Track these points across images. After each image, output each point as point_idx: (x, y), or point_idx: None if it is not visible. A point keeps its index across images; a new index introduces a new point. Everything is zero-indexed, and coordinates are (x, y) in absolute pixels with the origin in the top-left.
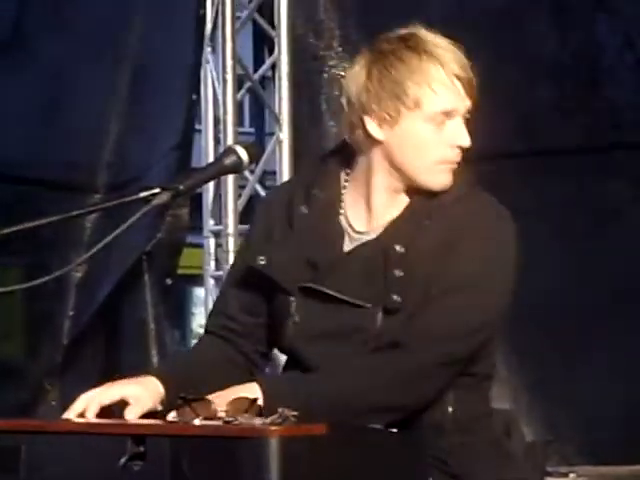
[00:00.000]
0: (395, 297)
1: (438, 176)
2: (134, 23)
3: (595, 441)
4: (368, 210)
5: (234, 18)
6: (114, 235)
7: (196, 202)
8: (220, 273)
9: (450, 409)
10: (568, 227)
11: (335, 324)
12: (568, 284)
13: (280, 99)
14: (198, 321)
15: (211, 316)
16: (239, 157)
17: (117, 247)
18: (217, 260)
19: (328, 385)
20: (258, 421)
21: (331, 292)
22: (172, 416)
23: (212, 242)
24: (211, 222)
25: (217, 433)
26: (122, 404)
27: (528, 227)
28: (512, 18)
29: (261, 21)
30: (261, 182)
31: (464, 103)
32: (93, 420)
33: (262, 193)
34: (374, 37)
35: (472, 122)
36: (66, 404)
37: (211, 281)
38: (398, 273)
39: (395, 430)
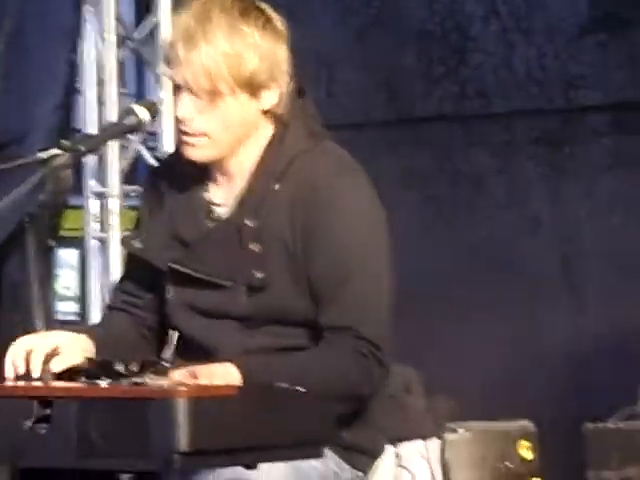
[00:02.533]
0: (257, 274)
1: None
2: None
3: (482, 399)
4: (228, 181)
5: None
6: (14, 198)
7: (76, 163)
8: (104, 235)
9: None
10: (433, 196)
11: (204, 302)
12: (433, 252)
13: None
14: (62, 283)
15: (113, 292)
16: (139, 117)
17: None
18: (102, 222)
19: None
20: (166, 382)
21: (192, 273)
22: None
23: (95, 203)
24: (93, 183)
25: (125, 395)
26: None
27: (394, 195)
28: None
29: None
30: (144, 143)
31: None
32: None
33: (146, 154)
34: None
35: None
36: None
37: (93, 242)
38: (254, 247)
39: (304, 390)
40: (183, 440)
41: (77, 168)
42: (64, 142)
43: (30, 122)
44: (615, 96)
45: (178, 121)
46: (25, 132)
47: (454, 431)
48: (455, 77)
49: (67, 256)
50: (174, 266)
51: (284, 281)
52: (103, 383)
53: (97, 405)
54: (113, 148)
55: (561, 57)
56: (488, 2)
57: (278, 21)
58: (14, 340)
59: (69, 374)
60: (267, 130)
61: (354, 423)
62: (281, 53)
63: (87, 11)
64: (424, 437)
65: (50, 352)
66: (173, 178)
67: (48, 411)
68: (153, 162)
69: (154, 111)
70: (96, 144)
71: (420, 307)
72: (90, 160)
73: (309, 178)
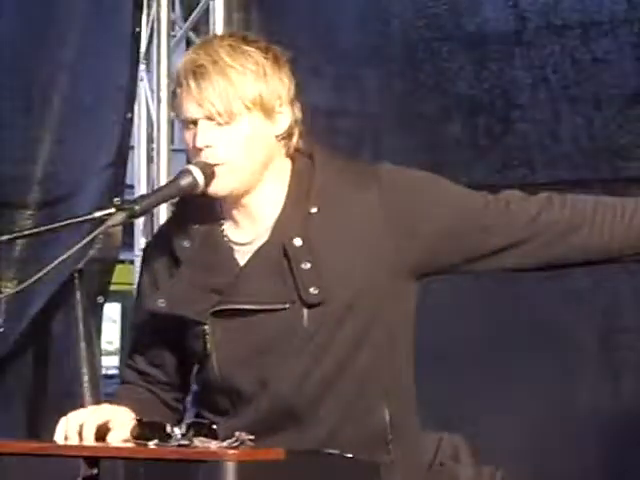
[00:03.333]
0: (312, 289)
1: None
2: (69, 40)
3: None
4: (251, 220)
5: (169, 36)
6: (68, 255)
7: None
8: None
9: (387, 418)
10: None
11: (259, 337)
12: (474, 321)
13: None
14: (105, 337)
15: (125, 370)
16: (194, 178)
17: (49, 264)
18: None
19: None
20: (214, 444)
21: (242, 306)
22: (126, 439)
23: None
24: (142, 240)
25: (172, 456)
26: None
27: None
28: (429, 51)
29: (196, 40)
30: None
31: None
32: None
33: None
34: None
35: None
36: None
37: None
38: (305, 265)
39: (351, 456)
40: None
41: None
42: (118, 201)
43: (83, 177)
44: None
45: (196, 153)
46: (78, 187)
47: None
48: (500, 146)
49: (109, 310)
50: (219, 308)
51: (348, 298)
52: (151, 444)
53: (145, 466)
54: (162, 205)
55: (609, 127)
56: (537, 70)
57: (279, 48)
58: (62, 401)
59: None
60: (286, 165)
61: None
62: (286, 77)
63: (141, 70)
64: None
65: (102, 425)
66: (183, 234)
67: (95, 471)
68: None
69: (209, 174)
70: (150, 205)
71: (468, 375)
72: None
73: (372, 187)
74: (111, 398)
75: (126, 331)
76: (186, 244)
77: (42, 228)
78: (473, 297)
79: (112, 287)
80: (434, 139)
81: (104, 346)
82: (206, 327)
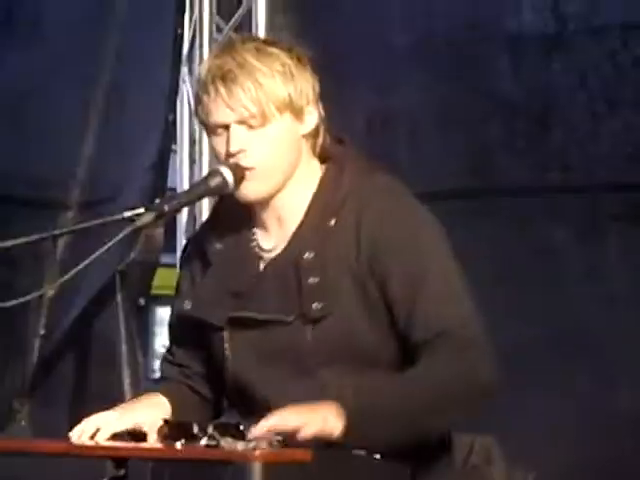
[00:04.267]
0: (315, 305)
1: None
2: (111, 42)
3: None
4: (279, 225)
5: (212, 38)
6: (94, 257)
7: (170, 222)
8: None
9: None
10: (511, 269)
11: (268, 347)
12: (509, 323)
13: None
14: (160, 341)
15: (163, 364)
16: (224, 178)
17: (90, 266)
18: None
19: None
20: (241, 445)
21: (251, 314)
22: (154, 439)
23: None
24: (185, 242)
25: (200, 456)
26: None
27: (473, 267)
28: (469, 54)
29: None
30: None
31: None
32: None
33: None
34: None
35: None
36: (36, 424)
37: None
38: (313, 280)
39: (379, 457)
40: None
41: (172, 227)
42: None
43: (124, 179)
44: None
45: (228, 158)
46: (119, 189)
47: None
48: (538, 149)
49: (164, 314)
50: (233, 314)
51: (350, 312)
52: (178, 444)
53: (172, 466)
54: (204, 207)
55: None
56: (576, 73)
57: (300, 48)
58: (104, 404)
59: (144, 434)
60: (317, 171)
61: None
62: (311, 76)
63: (184, 72)
64: None
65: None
66: (217, 237)
67: (122, 471)
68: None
69: (239, 175)
70: (179, 205)
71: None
72: (183, 219)
73: (367, 210)
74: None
75: None
76: (218, 247)
77: (72, 228)
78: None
79: (161, 292)
80: (474, 142)
81: (160, 350)
82: (225, 332)
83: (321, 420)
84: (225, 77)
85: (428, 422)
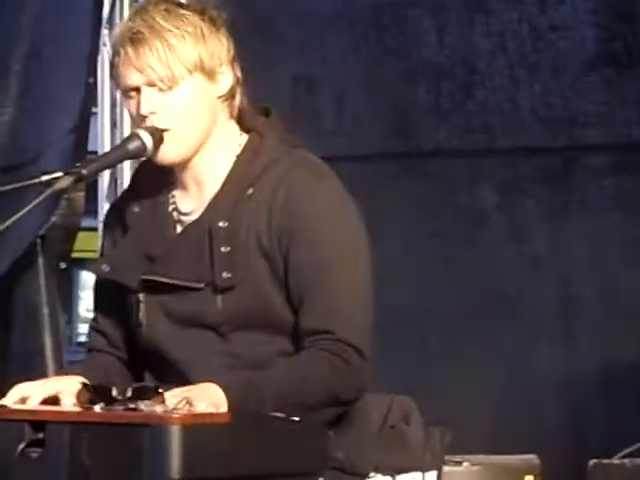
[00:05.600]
0: (225, 274)
1: None
2: (28, 6)
3: (485, 433)
4: (198, 188)
5: (132, 0)
6: (13, 220)
7: (91, 185)
8: None
9: None
10: (435, 230)
11: (180, 311)
12: (432, 286)
13: None
14: (84, 305)
15: (90, 334)
16: (143, 142)
17: (11, 230)
18: None
19: (284, 385)
20: (160, 408)
21: (162, 279)
22: (70, 402)
23: None
24: (106, 206)
25: (118, 420)
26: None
27: (394, 228)
28: (394, 17)
29: None
30: None
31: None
32: None
33: None
34: None
35: None
36: None
37: None
38: (224, 249)
39: (298, 419)
40: (176, 467)
41: (93, 191)
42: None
43: (45, 143)
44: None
45: (141, 121)
46: (40, 153)
47: (459, 464)
48: (462, 111)
49: (89, 278)
50: (144, 277)
51: (260, 282)
52: (97, 408)
53: (90, 430)
54: (126, 171)
55: (566, 95)
56: (495, 37)
57: (214, 9)
58: (25, 367)
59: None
60: (240, 138)
61: (349, 444)
62: (224, 37)
63: (104, 34)
64: (423, 469)
65: (53, 396)
66: (136, 200)
67: (41, 435)
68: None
69: (158, 139)
70: (97, 168)
71: (419, 340)
72: (104, 183)
73: (284, 184)
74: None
75: None
76: (136, 210)
77: None
78: (437, 263)
79: (86, 255)
80: (398, 104)
81: (84, 314)
82: (140, 295)
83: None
84: (133, 39)
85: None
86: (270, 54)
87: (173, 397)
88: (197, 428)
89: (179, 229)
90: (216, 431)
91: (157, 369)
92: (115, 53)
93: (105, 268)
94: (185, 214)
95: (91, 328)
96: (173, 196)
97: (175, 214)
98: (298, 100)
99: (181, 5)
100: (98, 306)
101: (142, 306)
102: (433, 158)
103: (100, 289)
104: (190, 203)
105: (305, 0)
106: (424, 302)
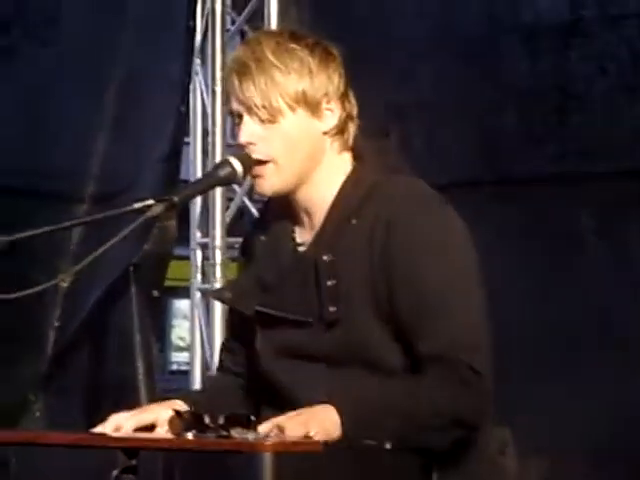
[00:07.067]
0: (331, 308)
1: None
2: (124, 34)
3: (581, 465)
4: (309, 219)
5: (224, 30)
6: (107, 246)
7: (183, 214)
8: (206, 286)
9: None
10: (533, 258)
11: (291, 344)
12: (531, 316)
13: None
14: (177, 333)
15: (222, 353)
16: (233, 169)
17: (104, 258)
18: (204, 273)
19: (402, 407)
20: (252, 436)
21: (273, 312)
22: (164, 430)
23: (199, 254)
24: (198, 234)
25: (210, 447)
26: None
27: (492, 257)
28: (486, 44)
29: (250, 33)
30: (249, 194)
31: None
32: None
33: (250, 205)
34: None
35: None
36: (50, 415)
37: (197, 294)
38: (330, 283)
39: (390, 447)
40: None
41: (185, 219)
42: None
43: (138, 172)
44: None
45: (240, 149)
46: (132, 182)
47: None
48: (556, 137)
49: (182, 307)
50: (258, 308)
51: (365, 316)
52: (189, 435)
53: (183, 457)
54: (217, 199)
55: None
56: (594, 60)
57: (328, 44)
58: (118, 395)
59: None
60: (345, 165)
61: (451, 474)
62: (334, 73)
63: (196, 64)
64: None
65: (141, 427)
66: (264, 229)
67: (134, 462)
68: (257, 214)
69: (248, 165)
70: (189, 195)
71: (515, 368)
72: (196, 211)
73: (385, 211)
74: (176, 394)
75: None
76: (263, 239)
77: (84, 219)
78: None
79: (176, 284)
80: (492, 130)
81: (176, 342)
82: (255, 324)
83: (320, 425)
84: (239, 71)
85: (410, 436)
86: (364, 82)
87: (265, 427)
88: (289, 456)
89: (292, 261)
90: (308, 459)
91: (266, 394)
92: (226, 79)
93: (227, 294)
94: (299, 245)
95: (222, 346)
96: (292, 226)
97: (291, 245)
98: (388, 127)
99: (294, 38)
100: (229, 327)
101: (258, 335)
102: (527, 186)
103: (231, 311)
104: (303, 234)
105: (399, 28)
106: (521, 330)
